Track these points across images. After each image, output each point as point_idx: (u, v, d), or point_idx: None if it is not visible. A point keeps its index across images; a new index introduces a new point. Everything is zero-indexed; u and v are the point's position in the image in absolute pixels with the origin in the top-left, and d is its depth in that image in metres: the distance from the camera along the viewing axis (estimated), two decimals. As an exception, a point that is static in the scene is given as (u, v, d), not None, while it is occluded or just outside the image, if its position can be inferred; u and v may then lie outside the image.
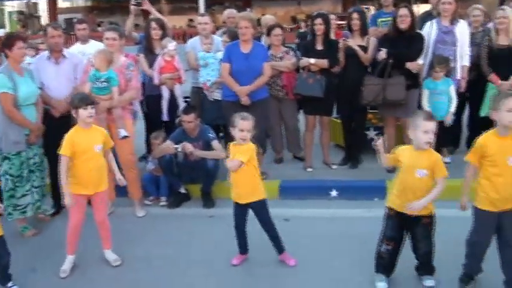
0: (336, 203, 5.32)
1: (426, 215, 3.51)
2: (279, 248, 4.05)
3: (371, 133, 6.32)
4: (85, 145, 3.87)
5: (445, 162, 5.88)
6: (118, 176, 4.21)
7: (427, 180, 3.42)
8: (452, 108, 5.55)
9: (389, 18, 6.08)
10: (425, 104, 5.56)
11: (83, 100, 3.89)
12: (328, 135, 6.10)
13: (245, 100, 5.33)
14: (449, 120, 5.55)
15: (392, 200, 3.57)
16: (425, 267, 3.66)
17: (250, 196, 3.95)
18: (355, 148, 6.14)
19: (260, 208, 3.99)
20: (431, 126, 3.36)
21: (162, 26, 5.94)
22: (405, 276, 3.71)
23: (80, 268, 4.05)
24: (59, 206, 5.02)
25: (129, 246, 4.40)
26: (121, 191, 4.95)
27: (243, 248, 4.10)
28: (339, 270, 3.91)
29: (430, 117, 3.43)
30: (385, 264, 3.65)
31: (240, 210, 4.01)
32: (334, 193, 5.42)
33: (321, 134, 6.05)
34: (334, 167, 6.05)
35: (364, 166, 6.01)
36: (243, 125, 3.79)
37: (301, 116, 6.25)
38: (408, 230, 3.61)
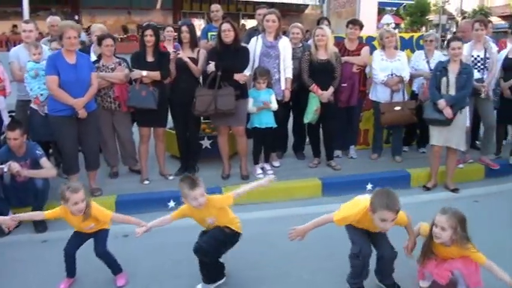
0: (175, 213, 5.37)
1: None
2: (116, 270, 4.00)
3: (205, 142, 6.53)
4: None
5: (275, 166, 6.42)
6: None
7: None
8: (274, 106, 5.96)
9: (217, 32, 6.35)
10: (251, 109, 5.92)
11: None
12: (163, 146, 6.15)
13: (82, 113, 5.15)
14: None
15: None
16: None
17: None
18: (191, 158, 6.27)
19: (104, 236, 3.96)
20: None
21: None
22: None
23: None
24: None
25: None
26: None
27: (73, 271, 3.95)
28: (178, 279, 4.00)
29: None
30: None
31: (81, 237, 3.91)
32: (172, 204, 5.48)
33: (156, 146, 6.07)
34: (170, 177, 6.11)
35: (200, 174, 6.11)
36: (75, 198, 3.63)
37: (135, 128, 6.20)
38: None
